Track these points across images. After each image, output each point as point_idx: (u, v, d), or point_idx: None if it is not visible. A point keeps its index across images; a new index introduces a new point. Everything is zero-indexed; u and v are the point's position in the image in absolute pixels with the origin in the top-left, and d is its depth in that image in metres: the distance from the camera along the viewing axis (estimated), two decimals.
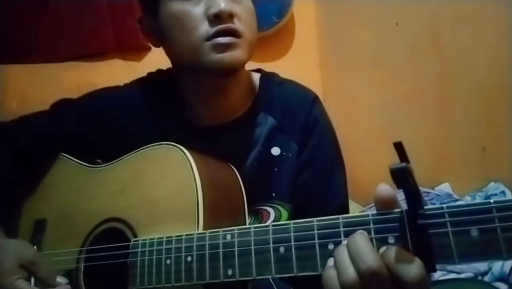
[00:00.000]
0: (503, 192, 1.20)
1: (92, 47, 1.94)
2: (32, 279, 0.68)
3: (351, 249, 0.42)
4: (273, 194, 0.75)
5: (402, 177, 0.40)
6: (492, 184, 1.26)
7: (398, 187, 0.41)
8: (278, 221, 0.75)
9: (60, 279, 0.69)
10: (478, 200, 1.26)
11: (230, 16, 0.67)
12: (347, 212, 0.78)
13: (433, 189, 1.44)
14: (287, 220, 0.74)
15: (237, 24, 0.68)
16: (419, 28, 1.56)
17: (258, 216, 0.76)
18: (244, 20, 0.69)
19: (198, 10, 0.67)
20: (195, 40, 0.67)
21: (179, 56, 0.73)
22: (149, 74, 0.84)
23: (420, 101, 1.59)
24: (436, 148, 1.52)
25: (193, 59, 0.69)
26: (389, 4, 1.69)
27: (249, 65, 0.84)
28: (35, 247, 0.74)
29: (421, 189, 1.42)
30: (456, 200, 1.29)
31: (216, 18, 0.66)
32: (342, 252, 0.43)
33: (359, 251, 0.41)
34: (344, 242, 0.44)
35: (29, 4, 1.86)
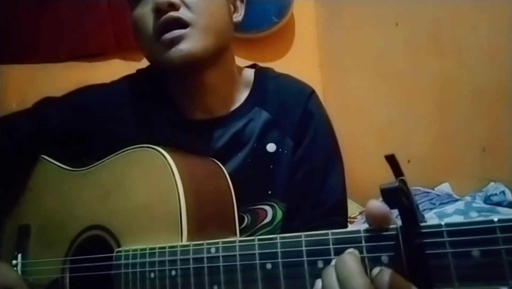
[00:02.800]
0: (503, 192, 1.20)
1: (92, 47, 1.94)
2: None
3: (339, 271, 0.39)
4: (269, 192, 0.73)
5: (394, 197, 0.37)
6: (492, 184, 1.26)
7: (391, 208, 0.38)
8: (275, 220, 0.74)
9: None
10: (478, 200, 1.26)
11: (172, 6, 0.63)
12: (345, 211, 0.76)
13: (433, 189, 1.44)
14: (281, 220, 0.73)
15: (182, 12, 0.64)
16: (419, 28, 1.56)
17: (254, 215, 0.73)
18: (195, 6, 0.65)
19: (147, 10, 0.66)
20: (148, 42, 0.66)
21: (147, 59, 0.72)
22: (139, 70, 0.82)
23: (420, 101, 1.58)
24: (436, 148, 1.52)
25: (151, 61, 0.68)
26: (389, 4, 1.69)
27: (247, 64, 0.84)
28: (19, 254, 0.73)
29: (421, 189, 1.43)
30: (456, 200, 1.29)
31: (157, 12, 0.63)
32: (330, 274, 0.40)
33: (348, 274, 0.38)
34: (333, 262, 0.41)
35: (29, 5, 1.86)
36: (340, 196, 0.74)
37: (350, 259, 0.40)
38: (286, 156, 0.73)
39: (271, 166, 0.73)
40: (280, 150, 0.73)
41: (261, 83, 0.77)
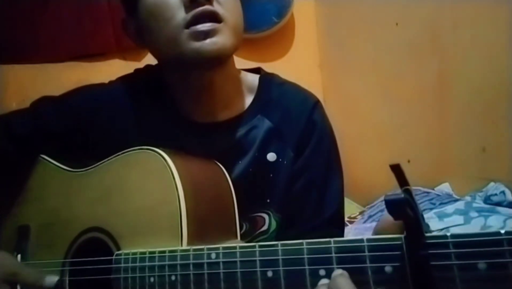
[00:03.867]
0: (503, 192, 1.20)
1: (92, 47, 1.94)
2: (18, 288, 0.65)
3: None
4: (268, 200, 0.73)
5: (399, 208, 0.36)
6: (492, 184, 1.26)
7: (395, 219, 0.38)
8: (270, 229, 0.74)
9: (50, 278, 0.65)
10: (478, 200, 1.26)
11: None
12: (341, 222, 0.76)
13: (433, 189, 1.44)
14: (275, 230, 0.73)
15: (216, 7, 0.64)
16: (419, 28, 1.56)
17: (253, 223, 0.73)
18: (225, 4, 0.65)
19: None
20: (173, 30, 0.64)
21: (160, 51, 0.70)
22: (137, 70, 0.81)
23: (420, 101, 1.58)
24: (436, 148, 1.52)
25: (173, 51, 0.65)
26: (389, 4, 1.69)
27: (249, 65, 0.84)
28: (19, 255, 0.72)
29: (421, 189, 1.43)
30: (456, 200, 1.29)
31: (192, 2, 0.62)
32: None
33: None
34: (322, 282, 0.41)
35: (29, 4, 1.86)
36: (337, 208, 0.74)
37: (346, 283, 0.39)
38: (286, 166, 0.73)
39: (271, 175, 0.73)
40: (280, 159, 0.73)
41: (266, 91, 0.77)
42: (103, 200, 0.67)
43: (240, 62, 0.79)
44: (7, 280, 0.64)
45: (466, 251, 0.36)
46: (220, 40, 0.63)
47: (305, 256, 0.44)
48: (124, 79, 0.80)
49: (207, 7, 0.63)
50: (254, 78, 0.78)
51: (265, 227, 0.74)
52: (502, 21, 1.20)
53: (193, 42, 0.63)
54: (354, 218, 1.62)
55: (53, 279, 0.65)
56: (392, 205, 0.37)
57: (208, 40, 0.63)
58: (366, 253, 0.40)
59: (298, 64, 2.16)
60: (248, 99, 0.76)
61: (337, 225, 0.74)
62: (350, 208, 1.70)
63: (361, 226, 1.47)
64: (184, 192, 0.59)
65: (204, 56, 0.63)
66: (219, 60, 0.66)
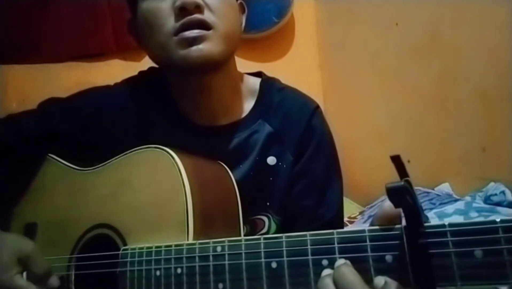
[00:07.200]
0: (503, 192, 1.20)
1: (92, 47, 1.94)
2: (24, 274, 0.66)
3: (339, 284, 0.40)
4: (268, 203, 0.74)
5: (400, 196, 0.38)
6: (492, 184, 1.26)
7: (396, 207, 0.39)
8: (269, 231, 0.74)
9: (53, 280, 0.66)
10: (478, 200, 1.26)
11: (198, 8, 0.63)
12: (340, 225, 0.77)
13: (433, 189, 1.44)
14: (275, 232, 0.74)
15: (206, 15, 0.64)
16: (419, 28, 1.56)
17: (253, 225, 0.74)
18: (217, 11, 0.66)
19: (165, 5, 0.65)
20: (163, 37, 0.65)
21: (154, 57, 0.71)
22: (141, 72, 0.82)
23: (420, 101, 1.59)
24: (436, 148, 1.52)
25: (163, 58, 0.67)
26: (389, 4, 1.70)
27: (250, 66, 0.84)
28: None
29: (421, 189, 1.43)
30: (456, 200, 1.29)
31: (182, 11, 0.63)
32: (327, 286, 0.40)
33: (350, 287, 0.39)
34: (325, 272, 0.42)
35: (29, 4, 1.86)
36: (336, 212, 0.75)
37: (350, 271, 0.40)
38: (285, 170, 0.74)
39: (271, 178, 0.74)
40: (280, 163, 0.74)
41: (267, 95, 0.78)
42: (110, 197, 0.68)
43: (240, 62, 0.79)
44: (20, 261, 0.65)
45: (463, 238, 0.37)
46: (207, 47, 0.64)
47: (309, 246, 0.45)
48: (129, 82, 0.81)
49: (196, 15, 0.63)
50: (255, 82, 0.79)
51: (264, 230, 0.74)
52: (502, 21, 1.20)
53: (180, 50, 0.64)
54: (354, 218, 1.62)
55: (56, 281, 0.67)
56: (393, 193, 0.38)
57: (194, 47, 0.63)
58: (368, 243, 0.42)
59: (298, 64, 2.16)
60: (249, 103, 0.77)
61: (336, 228, 0.75)
62: (350, 208, 1.70)
63: (361, 225, 1.47)
64: (191, 189, 0.59)
65: (190, 63, 0.64)
66: (207, 67, 0.66)
